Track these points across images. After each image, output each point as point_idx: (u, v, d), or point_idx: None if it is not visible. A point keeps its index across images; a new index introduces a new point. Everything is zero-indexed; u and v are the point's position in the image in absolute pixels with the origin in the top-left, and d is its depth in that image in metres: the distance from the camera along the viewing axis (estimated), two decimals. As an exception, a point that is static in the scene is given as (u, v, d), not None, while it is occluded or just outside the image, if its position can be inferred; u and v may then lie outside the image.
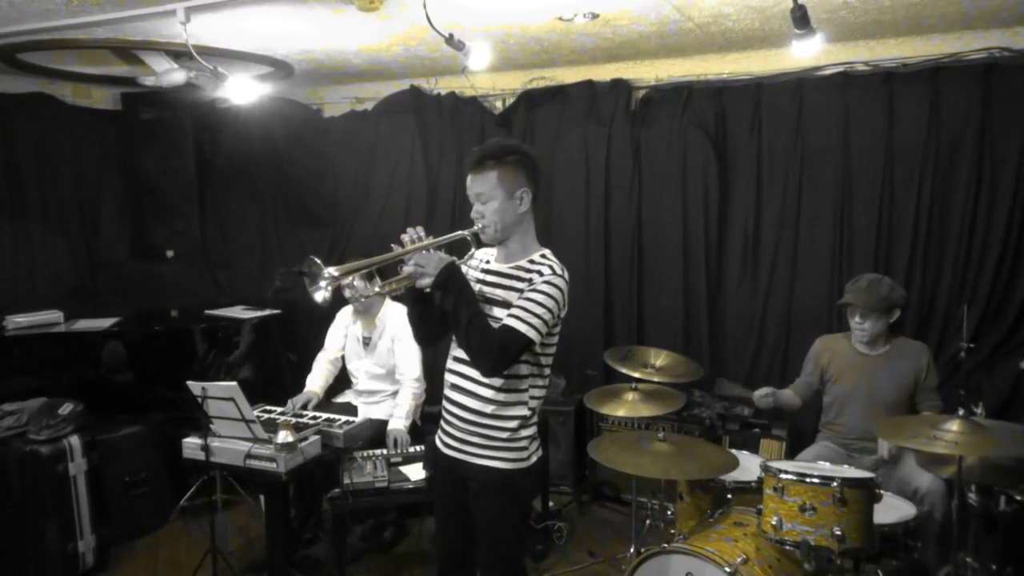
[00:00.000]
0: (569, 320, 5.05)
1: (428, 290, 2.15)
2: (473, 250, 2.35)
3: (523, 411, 2.24)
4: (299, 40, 3.94)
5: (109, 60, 4.29)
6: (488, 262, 2.35)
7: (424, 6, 3.06)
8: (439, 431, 2.40)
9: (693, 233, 4.45)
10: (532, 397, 2.26)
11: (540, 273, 2.19)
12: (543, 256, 2.27)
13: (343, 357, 4.00)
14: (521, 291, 2.18)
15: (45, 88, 4.84)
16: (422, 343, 2.44)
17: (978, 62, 3.78)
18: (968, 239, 3.87)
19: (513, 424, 2.24)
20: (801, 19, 2.90)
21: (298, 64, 4.52)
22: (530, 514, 2.76)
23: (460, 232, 2.28)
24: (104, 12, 3.30)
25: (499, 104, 4.95)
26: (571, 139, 4.69)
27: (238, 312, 4.78)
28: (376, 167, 5.23)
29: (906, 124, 3.94)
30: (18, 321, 4.31)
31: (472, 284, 2.24)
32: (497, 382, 2.21)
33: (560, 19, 3.53)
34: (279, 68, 4.51)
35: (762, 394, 3.46)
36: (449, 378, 2.33)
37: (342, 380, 4.07)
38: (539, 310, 2.13)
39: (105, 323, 4.43)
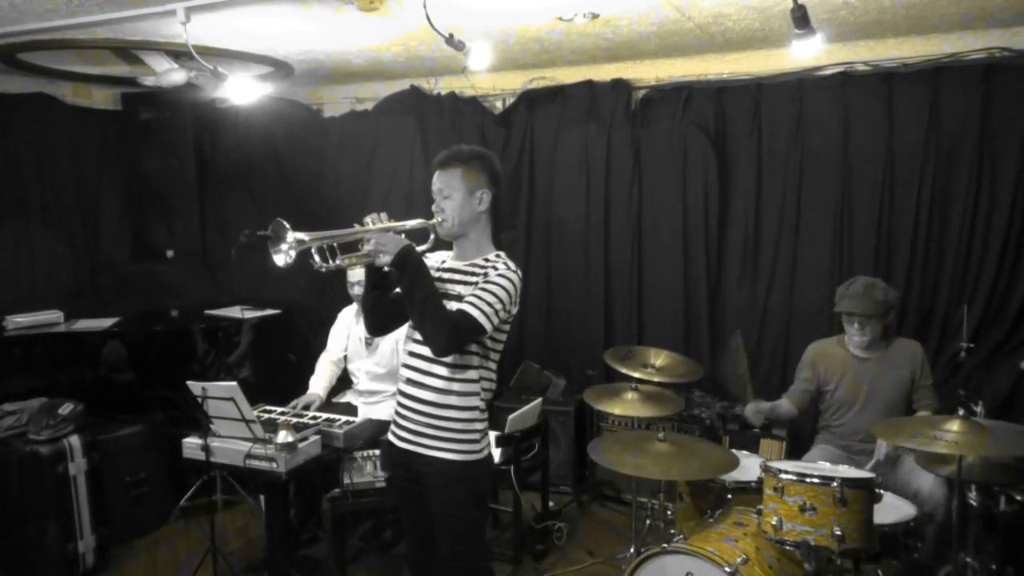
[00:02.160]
0: (569, 320, 5.07)
1: (386, 268, 2.25)
2: (432, 238, 2.41)
3: (475, 402, 2.32)
4: (299, 40, 3.94)
5: (109, 60, 4.29)
6: (444, 262, 2.45)
7: (424, 6, 3.06)
8: (392, 426, 2.46)
9: (693, 233, 4.45)
10: (484, 389, 2.34)
11: (495, 268, 2.30)
12: (497, 255, 2.38)
13: (345, 358, 4.00)
14: (475, 284, 2.27)
15: (45, 88, 4.83)
16: (372, 331, 2.54)
17: (978, 62, 3.78)
18: (968, 239, 3.87)
19: (466, 415, 2.30)
20: (801, 19, 2.90)
21: (298, 64, 4.51)
22: (486, 507, 2.79)
23: (420, 220, 2.37)
24: (104, 12, 3.30)
25: (499, 104, 4.95)
26: (571, 139, 4.69)
27: (238, 312, 4.78)
28: (376, 167, 5.23)
29: (906, 124, 3.94)
30: (18, 321, 4.31)
31: None
32: (448, 372, 2.28)
33: (560, 19, 3.53)
34: (279, 68, 4.51)
35: (753, 410, 3.44)
36: (403, 372, 2.40)
37: (343, 380, 4.07)
38: (491, 299, 2.21)
39: (105, 323, 4.43)
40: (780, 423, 3.80)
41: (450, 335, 2.18)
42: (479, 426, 2.34)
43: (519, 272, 2.32)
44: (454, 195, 2.32)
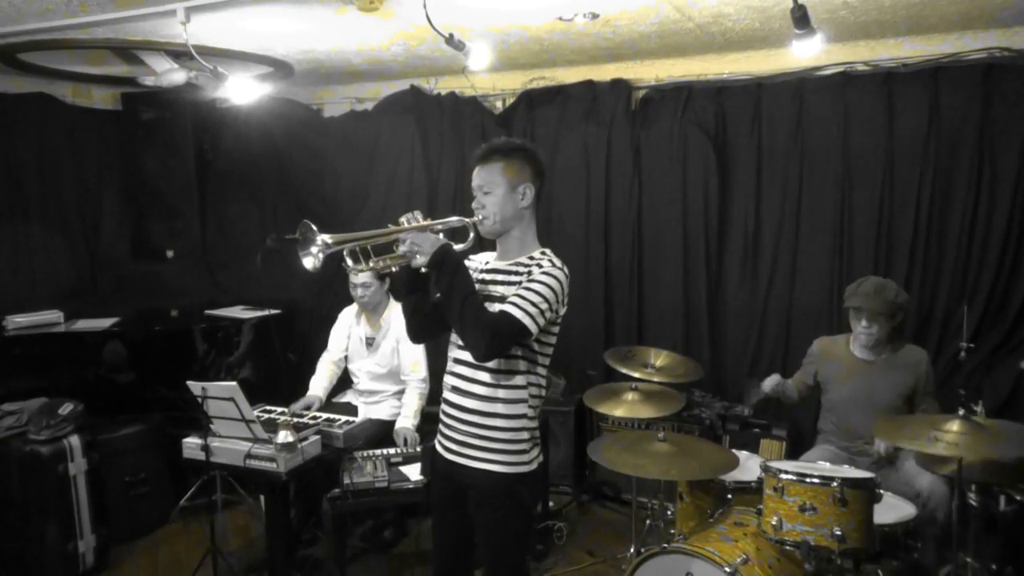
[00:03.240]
0: (569, 320, 5.04)
1: (423, 270, 2.15)
2: (472, 238, 2.30)
3: (523, 409, 2.21)
4: (299, 40, 3.94)
5: (109, 60, 4.29)
6: (487, 263, 2.34)
7: (424, 6, 3.06)
8: (438, 435, 2.37)
9: (693, 233, 4.45)
10: (532, 396, 2.22)
11: (539, 265, 2.18)
12: (543, 253, 2.26)
13: (346, 358, 4.00)
14: (519, 284, 2.16)
15: (45, 88, 4.83)
16: (414, 337, 2.40)
17: (978, 62, 3.78)
18: (968, 239, 3.86)
19: (513, 424, 2.19)
20: (801, 19, 2.90)
21: (298, 64, 4.51)
22: (532, 521, 2.68)
23: (458, 217, 2.28)
24: (104, 12, 3.30)
25: (499, 104, 4.94)
26: (571, 139, 4.69)
27: (238, 312, 4.78)
28: (376, 167, 5.23)
29: (906, 124, 3.93)
30: (18, 321, 4.32)
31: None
32: (492, 378, 2.18)
33: (560, 19, 3.53)
34: (279, 68, 4.51)
35: (771, 383, 3.42)
36: (448, 380, 2.30)
37: (343, 380, 4.07)
38: (535, 298, 2.09)
39: (105, 323, 4.43)
40: (783, 413, 3.77)
41: (492, 339, 2.04)
42: (527, 435, 2.21)
43: (566, 269, 2.19)
44: (495, 191, 2.19)
